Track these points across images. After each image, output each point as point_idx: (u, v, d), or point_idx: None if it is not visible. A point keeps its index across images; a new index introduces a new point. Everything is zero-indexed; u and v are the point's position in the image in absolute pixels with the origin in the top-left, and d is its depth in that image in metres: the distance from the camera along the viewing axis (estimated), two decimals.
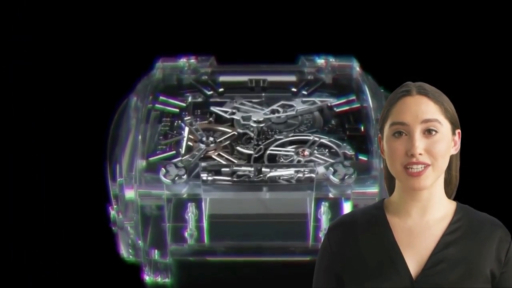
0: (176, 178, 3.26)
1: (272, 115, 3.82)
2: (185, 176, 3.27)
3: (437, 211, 1.96)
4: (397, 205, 1.97)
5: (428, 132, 1.90)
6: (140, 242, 3.34)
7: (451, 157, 1.97)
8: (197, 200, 3.30)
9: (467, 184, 2.13)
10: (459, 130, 1.98)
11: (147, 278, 3.38)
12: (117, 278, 3.53)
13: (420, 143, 1.89)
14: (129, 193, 3.30)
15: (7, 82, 4.16)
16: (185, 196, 3.30)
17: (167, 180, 3.26)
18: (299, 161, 3.48)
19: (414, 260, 1.92)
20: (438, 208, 1.96)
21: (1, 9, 4.23)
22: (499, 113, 4.08)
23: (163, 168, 3.28)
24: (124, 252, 3.42)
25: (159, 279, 3.38)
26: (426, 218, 1.95)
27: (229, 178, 3.39)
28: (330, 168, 3.29)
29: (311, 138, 3.63)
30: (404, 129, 1.90)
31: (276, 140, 3.65)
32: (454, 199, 2.03)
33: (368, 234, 1.96)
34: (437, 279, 1.89)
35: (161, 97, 3.89)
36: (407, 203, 1.95)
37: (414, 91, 1.93)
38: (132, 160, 3.37)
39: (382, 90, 3.85)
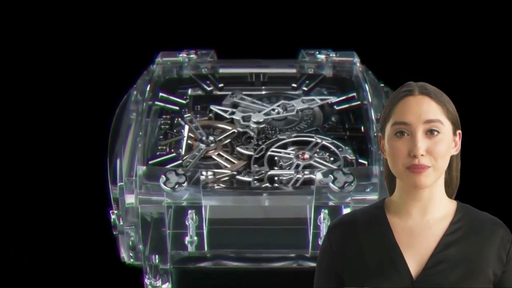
0: (176, 186, 3.24)
1: (272, 115, 3.80)
2: (185, 184, 3.25)
3: (437, 211, 1.95)
4: (397, 204, 1.97)
5: (430, 132, 1.90)
6: (140, 246, 3.32)
7: (452, 157, 1.97)
8: (197, 207, 3.28)
9: (467, 184, 2.13)
10: (459, 131, 1.97)
11: (148, 282, 3.37)
12: (117, 281, 3.52)
13: (422, 143, 1.89)
14: (129, 198, 3.28)
15: (7, 82, 4.17)
16: (185, 204, 3.28)
17: (167, 188, 3.24)
18: (298, 165, 3.47)
19: (415, 260, 1.92)
20: (438, 207, 1.96)
21: (1, 9, 4.23)
22: (499, 113, 4.08)
23: (163, 176, 3.25)
24: (125, 255, 3.39)
25: (159, 284, 3.37)
26: (427, 217, 1.95)
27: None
28: (330, 175, 3.27)
29: (313, 139, 3.61)
30: (406, 129, 1.90)
31: (278, 140, 3.63)
32: (454, 199, 2.02)
33: (368, 234, 1.96)
34: (437, 279, 1.89)
35: (161, 94, 3.87)
36: (407, 203, 1.95)
37: (417, 91, 1.93)
38: (132, 161, 3.35)
39: (382, 85, 3.84)
